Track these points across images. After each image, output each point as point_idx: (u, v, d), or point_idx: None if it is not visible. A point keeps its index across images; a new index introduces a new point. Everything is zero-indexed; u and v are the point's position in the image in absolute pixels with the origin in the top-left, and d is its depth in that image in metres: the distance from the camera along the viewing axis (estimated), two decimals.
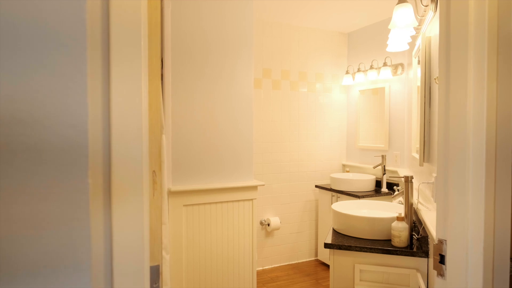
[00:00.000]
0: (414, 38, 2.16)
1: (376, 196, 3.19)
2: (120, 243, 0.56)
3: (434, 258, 1.08)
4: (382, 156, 3.32)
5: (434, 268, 1.08)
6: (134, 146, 0.57)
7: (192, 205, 2.31)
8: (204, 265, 2.36)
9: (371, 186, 3.36)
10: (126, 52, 0.54)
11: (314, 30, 3.76)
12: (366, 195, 3.14)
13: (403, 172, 2.99)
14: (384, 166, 3.29)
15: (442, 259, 1.06)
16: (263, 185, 2.58)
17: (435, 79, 1.41)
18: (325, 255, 3.59)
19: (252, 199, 2.49)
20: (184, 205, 2.28)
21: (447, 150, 1.02)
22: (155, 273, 0.75)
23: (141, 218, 0.57)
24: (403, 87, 3.26)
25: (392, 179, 3.31)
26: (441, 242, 1.07)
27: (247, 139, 2.50)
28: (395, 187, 3.03)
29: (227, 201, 2.41)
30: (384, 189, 3.28)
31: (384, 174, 3.29)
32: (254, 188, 2.49)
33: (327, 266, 3.58)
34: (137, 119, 0.57)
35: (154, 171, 0.73)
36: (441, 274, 1.06)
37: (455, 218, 1.01)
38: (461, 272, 1.00)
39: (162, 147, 2.17)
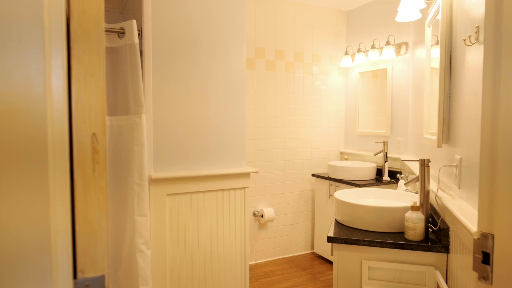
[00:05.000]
0: (428, 5, 1.91)
1: (377, 185, 2.97)
2: (9, 248, 0.31)
3: (475, 256, 0.86)
4: (384, 142, 3.09)
5: (475, 269, 0.86)
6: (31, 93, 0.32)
7: (177, 194, 2.06)
8: (191, 261, 2.11)
9: (371, 175, 3.14)
10: None
11: (311, 7, 3.49)
12: (366, 184, 2.92)
13: (406, 159, 2.77)
14: (386, 153, 3.07)
15: (486, 259, 0.84)
16: (257, 171, 2.33)
17: (464, 40, 1.16)
18: (322, 248, 3.38)
19: (244, 188, 2.24)
20: (167, 194, 2.03)
21: (494, 126, 0.78)
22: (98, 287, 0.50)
23: (47, 208, 0.33)
24: (407, 68, 3.02)
25: (394, 166, 3.09)
26: (485, 236, 0.84)
27: (239, 122, 2.24)
28: (398, 175, 2.81)
29: (217, 190, 2.16)
30: (386, 177, 3.06)
31: (386, 161, 3.07)
32: (246, 175, 2.24)
33: (324, 259, 3.37)
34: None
35: (94, 133, 0.48)
36: (484, 277, 0.84)
37: (507, 208, 0.79)
38: None
39: (142, 128, 1.92)
